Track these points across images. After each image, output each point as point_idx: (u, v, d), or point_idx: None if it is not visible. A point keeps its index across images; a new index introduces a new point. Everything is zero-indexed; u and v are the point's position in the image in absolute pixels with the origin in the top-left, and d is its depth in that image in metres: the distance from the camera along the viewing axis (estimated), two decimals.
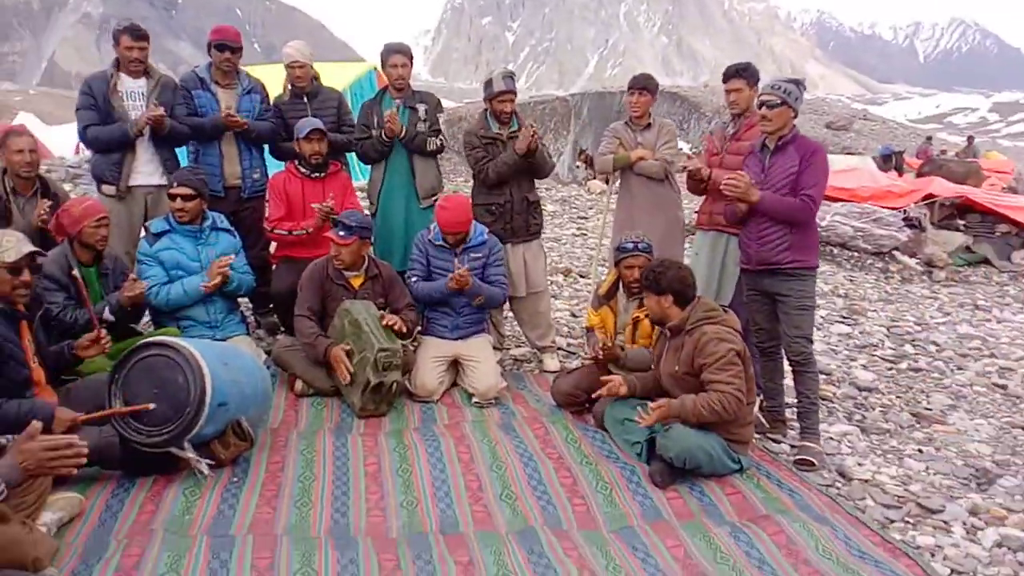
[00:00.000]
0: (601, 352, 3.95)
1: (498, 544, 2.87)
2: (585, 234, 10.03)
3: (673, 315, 3.57)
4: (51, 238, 3.97)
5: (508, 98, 4.65)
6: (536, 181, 4.95)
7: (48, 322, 3.55)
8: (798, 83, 3.80)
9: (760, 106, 3.75)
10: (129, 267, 4.21)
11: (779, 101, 3.69)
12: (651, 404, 3.45)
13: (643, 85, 4.86)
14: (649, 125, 4.90)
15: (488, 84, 4.70)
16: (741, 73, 4.27)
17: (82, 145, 4.69)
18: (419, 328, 4.56)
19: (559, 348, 5.15)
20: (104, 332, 3.44)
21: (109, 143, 4.46)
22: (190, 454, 3.08)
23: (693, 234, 5.00)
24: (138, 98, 4.54)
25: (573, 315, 6.14)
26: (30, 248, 3.08)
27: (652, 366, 3.82)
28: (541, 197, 5.21)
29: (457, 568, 2.71)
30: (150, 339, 3.26)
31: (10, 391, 2.95)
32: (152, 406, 3.00)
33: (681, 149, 12.00)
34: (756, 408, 3.96)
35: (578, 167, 17.68)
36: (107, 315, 3.77)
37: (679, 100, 21.74)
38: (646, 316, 3.90)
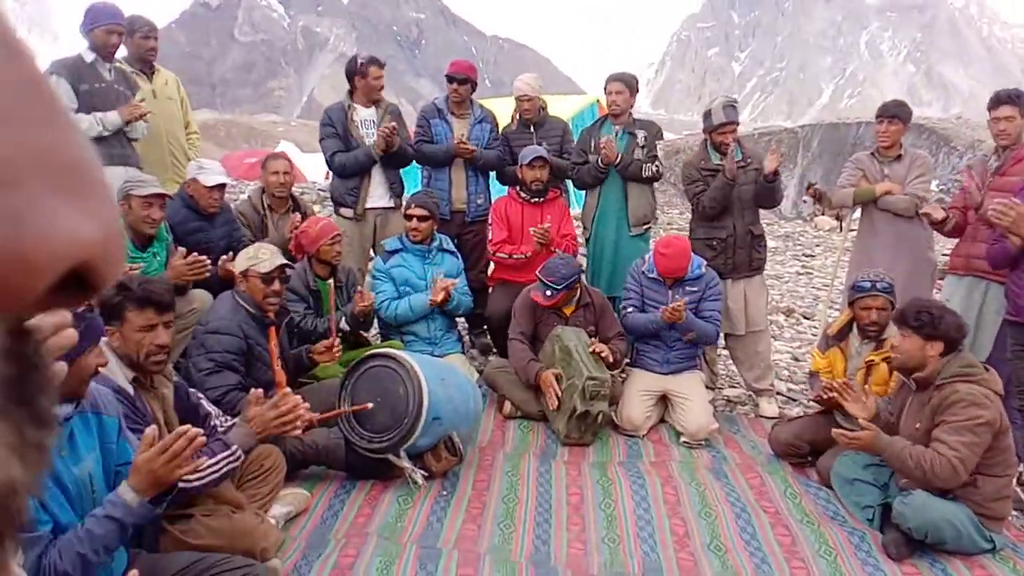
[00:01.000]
0: (826, 394, 3.61)
1: None
2: (810, 273, 9.36)
3: (931, 365, 3.15)
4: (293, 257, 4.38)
5: (730, 129, 4.45)
6: (760, 214, 4.69)
7: (291, 330, 3.90)
8: None
9: None
10: (360, 281, 4.54)
11: None
12: (862, 424, 3.10)
13: (894, 113, 4.44)
14: (900, 157, 4.46)
15: (707, 115, 4.54)
16: (1014, 99, 3.75)
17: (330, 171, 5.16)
18: (628, 360, 4.46)
19: (777, 393, 4.81)
20: (338, 341, 3.72)
21: (355, 167, 4.84)
22: (405, 463, 3.22)
23: (942, 279, 4.46)
24: (371, 126, 4.90)
25: (795, 358, 5.71)
26: (282, 260, 3.41)
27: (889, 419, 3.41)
28: (764, 233, 4.92)
29: None
30: (378, 351, 3.47)
31: None
32: (370, 406, 3.18)
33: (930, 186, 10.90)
34: (1015, 481, 3.40)
35: (805, 202, 16.66)
36: (343, 324, 4.07)
37: (926, 132, 19.79)
38: (883, 360, 3.50)
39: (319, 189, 10.37)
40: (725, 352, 4.90)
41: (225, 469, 2.26)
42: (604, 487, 3.50)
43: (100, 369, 2.04)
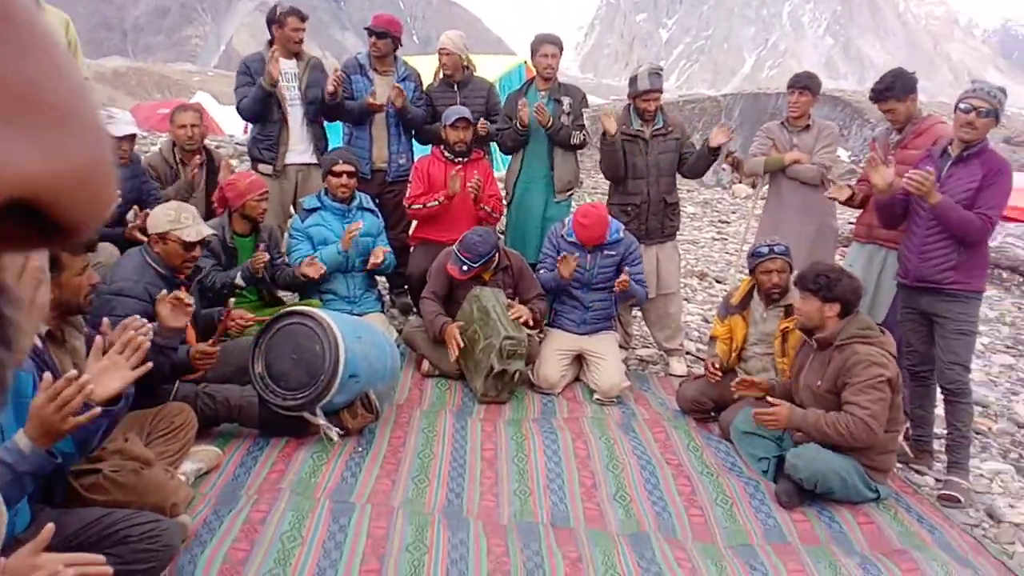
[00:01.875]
0: (716, 371, 3.82)
1: (608, 544, 2.83)
2: (725, 239, 9.69)
3: (830, 326, 3.34)
4: (212, 210, 4.27)
5: (654, 96, 4.55)
6: (678, 182, 4.83)
7: (202, 289, 3.82)
8: (1003, 90, 3.43)
9: (969, 111, 3.34)
10: (280, 240, 4.47)
11: (989, 109, 3.31)
12: (771, 401, 3.28)
13: (804, 84, 4.61)
14: (808, 127, 4.65)
15: (633, 81, 4.62)
16: (887, 93, 3.89)
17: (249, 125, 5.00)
18: (546, 320, 4.56)
19: (687, 352, 5.01)
20: (248, 314, 3.67)
21: (252, 103, 4.67)
22: (321, 420, 3.24)
23: (847, 246, 4.70)
24: (291, 78, 4.78)
25: (705, 320, 5.94)
26: (209, 231, 3.35)
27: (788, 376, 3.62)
28: (682, 198, 5.07)
29: (565, 563, 2.69)
30: (294, 308, 3.45)
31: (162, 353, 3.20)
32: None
33: (840, 156, 11.37)
34: (901, 436, 3.67)
35: (723, 169, 17.10)
36: (238, 280, 3.97)
37: (841, 104, 20.49)
38: (796, 327, 3.68)
39: (236, 143, 10.04)
40: (639, 314, 5.06)
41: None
42: (518, 442, 3.60)
43: None
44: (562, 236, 4.42)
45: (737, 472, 3.49)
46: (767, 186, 4.91)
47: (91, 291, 2.47)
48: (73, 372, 1.84)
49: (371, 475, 3.18)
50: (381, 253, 4.42)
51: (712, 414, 4.01)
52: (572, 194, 5.09)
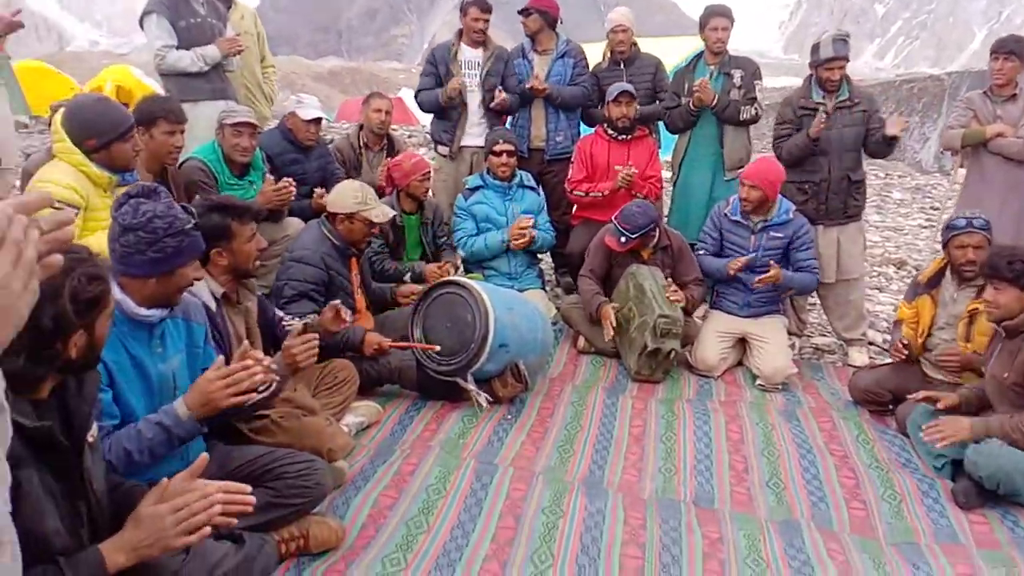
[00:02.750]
0: (904, 349, 3.48)
1: (754, 528, 2.72)
2: (934, 226, 8.80)
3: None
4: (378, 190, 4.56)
5: (838, 65, 4.22)
6: (869, 161, 4.45)
7: (370, 264, 4.11)
8: None
9: None
10: (448, 218, 4.69)
11: None
12: (942, 421, 2.96)
13: (1011, 49, 4.11)
14: (1014, 96, 4.13)
15: (815, 48, 4.31)
16: None
17: None
18: (706, 302, 4.42)
19: (870, 343, 4.63)
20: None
21: (429, 103, 4.96)
22: (471, 386, 3.39)
23: None
24: (474, 67, 4.95)
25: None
26: (392, 213, 3.63)
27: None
28: (891, 183, 4.67)
29: (705, 542, 2.63)
30: (450, 279, 3.62)
31: None
32: (438, 348, 3.36)
33: None
34: None
35: (943, 154, 15.50)
36: (407, 278, 4.23)
37: None
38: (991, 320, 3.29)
39: (426, 132, 10.62)
40: (817, 301, 4.75)
41: (259, 396, 2.42)
42: (668, 421, 3.54)
43: (195, 281, 2.29)
44: (725, 215, 4.25)
45: (911, 468, 3.21)
46: (963, 165, 4.41)
47: (259, 256, 2.75)
48: (248, 361, 2.05)
49: (517, 441, 3.27)
50: (526, 221, 4.46)
51: (890, 407, 3.69)
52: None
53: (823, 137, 4.23)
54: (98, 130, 2.90)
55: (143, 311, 2.06)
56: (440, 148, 5.12)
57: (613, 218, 4.15)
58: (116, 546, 1.55)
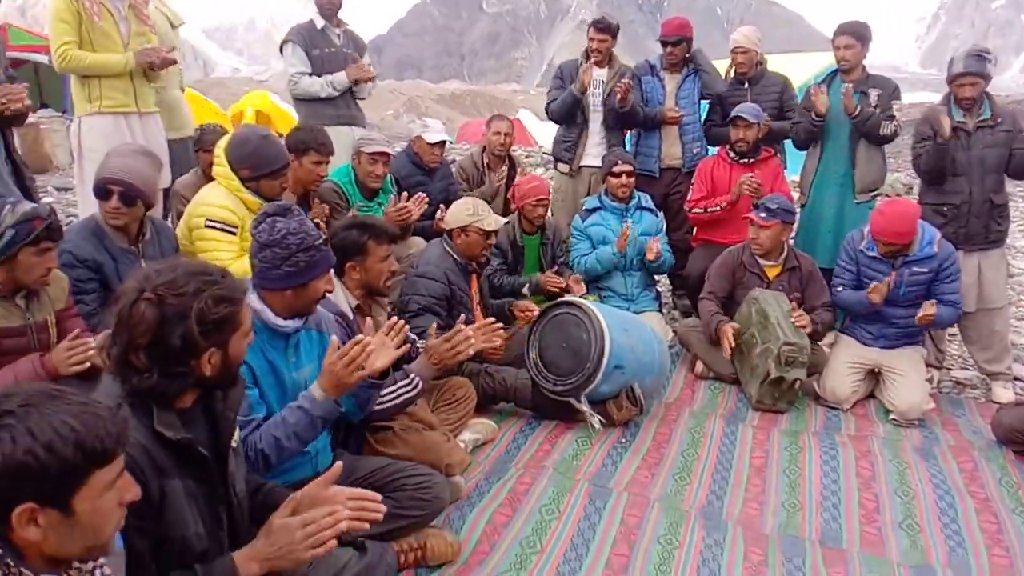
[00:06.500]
0: None
1: (885, 572, 2.59)
2: None
3: None
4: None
5: (970, 81, 3.95)
6: (1013, 183, 4.14)
7: (489, 280, 4.18)
8: None
9: None
10: (567, 237, 4.71)
11: None
12: None
13: None
14: None
15: (950, 63, 4.08)
16: None
17: None
18: (835, 328, 4.22)
19: (1015, 378, 4.27)
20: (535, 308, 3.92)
21: (562, 107, 4.94)
22: (585, 408, 3.38)
23: None
24: (599, 86, 4.98)
25: None
26: (503, 220, 3.73)
27: None
28: None
29: None
30: (566, 299, 3.63)
31: None
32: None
33: None
34: None
35: None
36: (526, 291, 4.26)
37: None
38: None
39: (543, 152, 10.75)
40: (957, 330, 4.44)
41: (404, 395, 2.53)
42: (792, 454, 3.39)
43: (327, 294, 2.41)
44: (861, 250, 3.99)
45: None
46: None
47: (390, 276, 2.86)
48: (360, 336, 2.16)
49: (631, 465, 3.22)
50: (655, 245, 4.42)
51: None
52: (876, 196, 4.63)
53: (963, 158, 3.97)
54: (253, 164, 3.20)
55: (280, 321, 2.20)
56: (560, 166, 5.17)
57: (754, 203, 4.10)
58: (249, 555, 1.64)
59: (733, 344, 3.87)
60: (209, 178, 3.59)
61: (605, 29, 4.92)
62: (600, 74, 4.97)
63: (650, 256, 4.42)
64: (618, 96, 4.73)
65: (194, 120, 4.83)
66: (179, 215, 3.87)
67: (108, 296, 2.89)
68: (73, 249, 2.85)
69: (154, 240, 3.08)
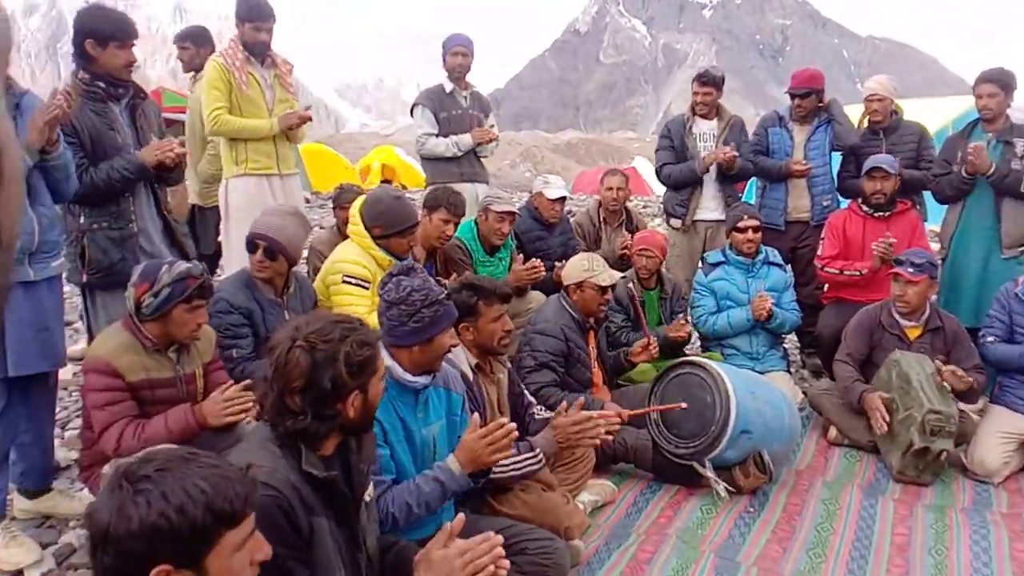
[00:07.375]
0: None
1: None
2: None
3: None
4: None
5: None
6: None
7: (608, 336, 4.13)
8: None
9: None
10: (687, 292, 4.61)
11: None
12: None
13: None
14: None
15: None
16: None
17: None
18: (986, 395, 3.89)
19: None
20: (654, 340, 3.88)
21: (679, 180, 4.93)
22: (710, 473, 3.24)
23: None
24: (709, 139, 4.91)
25: None
26: (617, 275, 3.71)
27: None
28: None
29: None
30: (689, 359, 3.53)
31: (574, 389, 3.55)
32: (684, 405, 3.23)
33: None
34: None
35: None
36: (652, 340, 4.17)
37: None
38: None
39: (660, 203, 10.64)
40: None
41: (527, 469, 2.52)
42: (938, 532, 3.13)
43: (452, 349, 2.47)
44: (1016, 294, 3.74)
45: None
46: None
47: (505, 336, 2.87)
48: (502, 420, 2.23)
49: (761, 537, 3.06)
50: (762, 303, 4.23)
51: None
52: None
53: None
54: (383, 222, 3.43)
55: (410, 377, 2.28)
56: (673, 221, 5.09)
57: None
58: None
59: (887, 419, 3.60)
60: (344, 235, 3.79)
61: (709, 82, 4.88)
62: (710, 126, 4.91)
63: (761, 316, 4.24)
64: (724, 166, 4.68)
65: (324, 173, 5.13)
66: (315, 270, 4.07)
67: (256, 342, 3.09)
68: (229, 297, 3.09)
69: (296, 293, 3.30)
